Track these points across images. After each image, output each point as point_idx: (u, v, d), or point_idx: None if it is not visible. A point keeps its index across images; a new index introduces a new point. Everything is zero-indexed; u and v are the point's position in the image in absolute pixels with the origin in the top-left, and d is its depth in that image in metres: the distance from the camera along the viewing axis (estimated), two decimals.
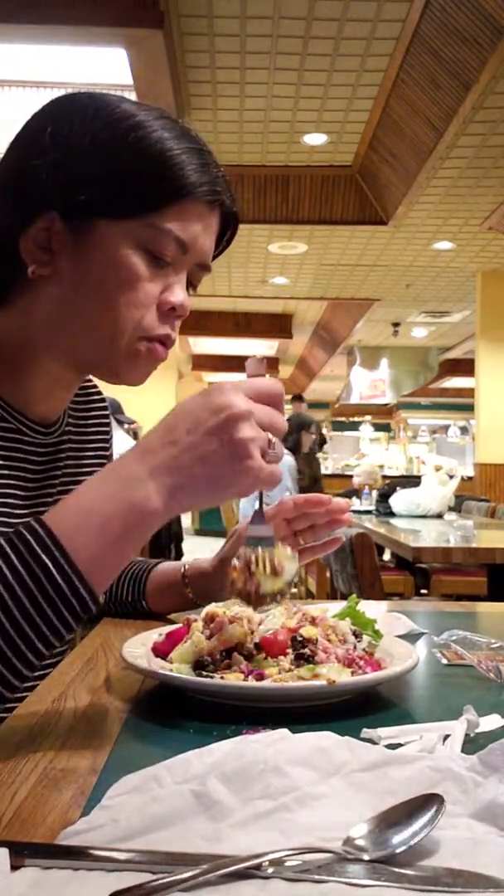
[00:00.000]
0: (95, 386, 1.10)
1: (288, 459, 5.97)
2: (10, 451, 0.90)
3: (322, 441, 10.34)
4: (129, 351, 0.86)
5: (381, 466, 11.72)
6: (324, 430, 11.09)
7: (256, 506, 0.80)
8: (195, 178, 0.83)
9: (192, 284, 0.90)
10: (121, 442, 3.45)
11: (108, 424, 1.11)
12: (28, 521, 0.68)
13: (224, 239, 0.94)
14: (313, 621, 0.87)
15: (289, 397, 9.87)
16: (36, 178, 0.82)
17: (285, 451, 0.79)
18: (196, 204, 0.84)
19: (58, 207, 0.82)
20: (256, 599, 0.77)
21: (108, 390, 1.16)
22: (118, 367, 0.88)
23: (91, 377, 1.00)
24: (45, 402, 0.94)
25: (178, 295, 0.86)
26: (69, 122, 0.83)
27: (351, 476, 7.95)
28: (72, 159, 0.82)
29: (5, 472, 0.89)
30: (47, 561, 0.65)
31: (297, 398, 9.47)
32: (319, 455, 10.36)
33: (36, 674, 0.74)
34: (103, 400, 1.11)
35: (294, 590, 4.82)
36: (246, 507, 5.57)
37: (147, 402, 8.66)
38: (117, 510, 0.68)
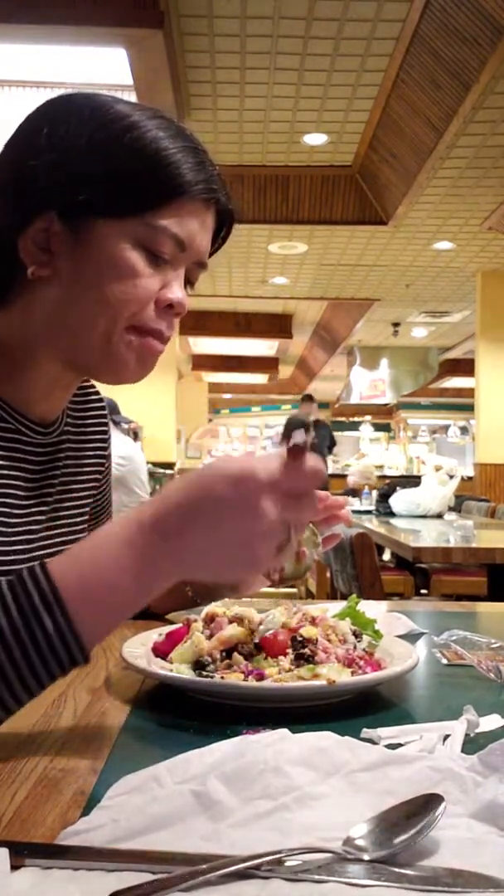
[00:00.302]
0: (93, 386, 1.10)
1: None
2: (10, 451, 0.90)
3: (332, 443, 10.28)
4: (123, 342, 0.85)
5: (381, 466, 11.71)
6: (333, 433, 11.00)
7: None
8: (191, 177, 0.83)
9: (189, 282, 0.91)
10: (119, 443, 3.45)
11: (106, 425, 1.11)
12: (33, 567, 0.66)
13: (220, 237, 0.94)
14: (313, 621, 0.87)
15: (298, 397, 9.74)
16: (34, 179, 0.82)
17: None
18: (192, 202, 0.85)
19: (56, 208, 0.83)
20: (280, 580, 0.80)
21: (106, 390, 1.16)
22: (112, 363, 0.87)
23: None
24: (44, 403, 0.94)
25: (177, 293, 0.86)
26: (65, 122, 0.83)
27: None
28: (69, 160, 0.82)
29: (4, 471, 0.89)
30: (48, 623, 0.64)
31: (308, 398, 9.38)
32: (330, 458, 10.28)
33: None
34: (101, 400, 1.11)
35: (294, 590, 4.82)
36: None
37: (147, 401, 8.68)
38: (126, 586, 0.66)
